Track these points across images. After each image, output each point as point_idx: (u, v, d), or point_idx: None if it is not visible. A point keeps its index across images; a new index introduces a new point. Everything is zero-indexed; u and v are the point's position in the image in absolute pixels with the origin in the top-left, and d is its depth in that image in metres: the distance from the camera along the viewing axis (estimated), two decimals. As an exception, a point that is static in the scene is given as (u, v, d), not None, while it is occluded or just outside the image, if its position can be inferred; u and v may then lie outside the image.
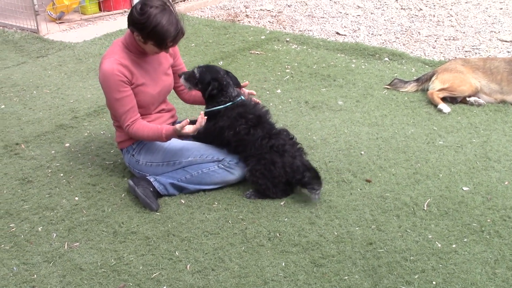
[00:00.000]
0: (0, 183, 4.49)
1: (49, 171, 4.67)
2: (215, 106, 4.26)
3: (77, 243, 3.82)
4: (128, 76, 4.10)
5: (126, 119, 4.18)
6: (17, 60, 7.18)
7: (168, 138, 4.20)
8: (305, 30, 8.04)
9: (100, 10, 8.95)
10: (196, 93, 4.57)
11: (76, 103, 5.82)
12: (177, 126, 4.01)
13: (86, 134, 5.23)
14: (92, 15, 8.80)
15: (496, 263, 3.50)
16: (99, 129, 5.31)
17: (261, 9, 9.17)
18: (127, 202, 4.24)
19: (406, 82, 5.92)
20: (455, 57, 6.64)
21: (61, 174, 4.62)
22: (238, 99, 4.29)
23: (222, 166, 4.27)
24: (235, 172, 4.30)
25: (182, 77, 4.33)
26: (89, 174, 4.61)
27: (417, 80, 5.89)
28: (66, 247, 3.79)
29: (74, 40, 7.77)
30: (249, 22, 8.52)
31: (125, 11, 8.93)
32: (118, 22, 8.51)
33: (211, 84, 4.23)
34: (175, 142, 4.35)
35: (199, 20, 8.53)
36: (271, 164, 4.11)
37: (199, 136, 4.23)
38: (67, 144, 5.06)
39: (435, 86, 5.62)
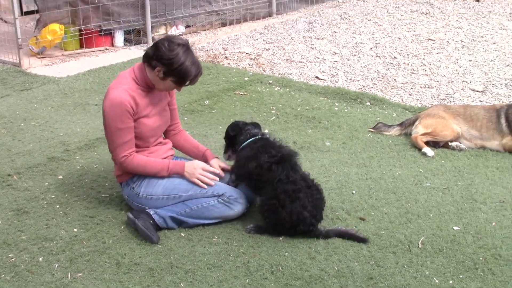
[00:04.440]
0: (-5, 214, 4.48)
1: (44, 202, 4.69)
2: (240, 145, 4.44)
3: (80, 274, 3.85)
4: (134, 108, 4.20)
5: (123, 150, 4.27)
6: (0, 92, 7.18)
7: (171, 172, 4.31)
8: (284, 74, 8.25)
9: (81, 46, 9.04)
10: (185, 140, 4.72)
11: (66, 137, 5.85)
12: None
13: (78, 167, 5.27)
14: (74, 51, 8.88)
15: (492, 298, 3.65)
16: (91, 162, 5.35)
17: (239, 52, 9.37)
18: (126, 234, 4.29)
19: (389, 126, 6.14)
20: (437, 104, 6.89)
21: (57, 206, 4.64)
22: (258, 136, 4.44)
23: (222, 201, 4.36)
24: (235, 208, 4.39)
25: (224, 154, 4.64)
26: (85, 206, 4.64)
27: (400, 125, 6.12)
28: (69, 277, 3.81)
29: (57, 74, 7.82)
30: (229, 64, 8.70)
31: (106, 49, 9.04)
32: (100, 59, 8.61)
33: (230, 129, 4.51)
34: (175, 176, 4.44)
35: (181, 60, 8.65)
36: (280, 206, 4.18)
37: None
38: (60, 177, 5.08)
39: (419, 130, 5.85)
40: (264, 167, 4.24)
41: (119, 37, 9.27)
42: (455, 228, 4.42)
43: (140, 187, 4.44)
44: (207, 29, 10.48)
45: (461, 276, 3.87)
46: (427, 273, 3.90)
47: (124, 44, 9.37)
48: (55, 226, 4.37)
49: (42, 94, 7.14)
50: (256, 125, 4.58)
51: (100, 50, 9.03)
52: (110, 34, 9.24)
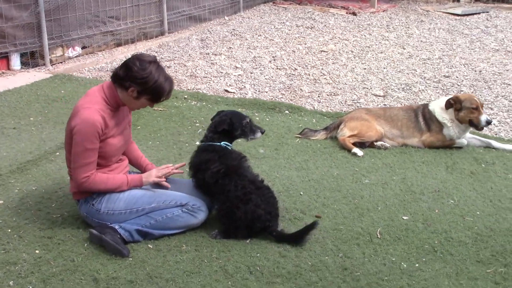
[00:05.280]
0: None
1: (-7, 227, 4.48)
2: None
3: (59, 293, 3.74)
4: (103, 129, 4.16)
5: (85, 171, 4.20)
6: None
7: (131, 185, 4.31)
8: (193, 89, 8.34)
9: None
10: (133, 150, 4.72)
11: (-6, 161, 5.61)
12: (145, 174, 4.38)
13: (16, 190, 5.08)
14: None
15: (458, 275, 3.98)
16: (29, 185, 5.17)
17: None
18: (93, 251, 4.21)
19: (315, 131, 6.42)
20: (358, 108, 7.25)
21: (9, 230, 4.46)
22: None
23: (186, 210, 4.40)
24: (198, 216, 4.44)
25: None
26: (39, 228, 4.49)
27: (325, 129, 6.42)
28: (49, 297, 3.69)
29: (-40, 101, 7.44)
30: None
31: (3, 72, 8.69)
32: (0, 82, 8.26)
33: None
34: (135, 190, 4.43)
35: (88, 80, 8.53)
36: (235, 208, 4.30)
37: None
38: (1, 201, 4.88)
39: (345, 133, 6.17)
40: (211, 182, 4.36)
41: (15, 60, 8.94)
42: (404, 217, 4.73)
43: (100, 203, 4.37)
44: (103, 50, 10.35)
45: (424, 259, 4.16)
46: (393, 259, 4.15)
47: (21, 67, 9.03)
48: (14, 250, 4.19)
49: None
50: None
51: (-6, 74, 8.66)
52: (6, 57, 8.88)
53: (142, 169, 4.71)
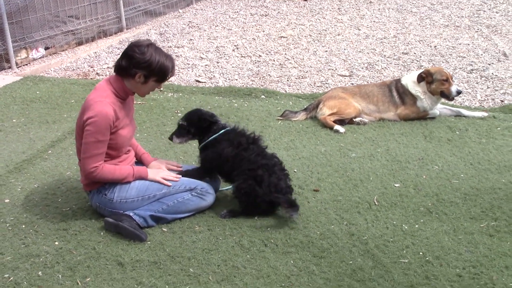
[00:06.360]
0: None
1: (7, 225, 4.60)
2: (210, 137, 4.64)
3: (88, 279, 3.91)
4: (115, 122, 4.33)
5: (95, 161, 4.37)
6: None
7: (136, 177, 4.51)
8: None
9: None
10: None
11: (-12, 164, 5.69)
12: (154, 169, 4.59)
13: (19, 189, 5.19)
14: None
15: (455, 231, 4.32)
16: (30, 183, 5.29)
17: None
18: (110, 238, 4.38)
19: (296, 112, 6.70)
20: (334, 87, 7.54)
21: (23, 226, 4.58)
22: (228, 127, 4.72)
23: (195, 194, 4.61)
24: (207, 199, 4.66)
25: (174, 137, 4.72)
26: (52, 221, 4.63)
27: (305, 110, 6.71)
28: (79, 283, 3.87)
29: None
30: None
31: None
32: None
33: (201, 120, 4.63)
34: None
35: (60, 79, 8.58)
36: (256, 184, 4.52)
37: (187, 174, 4.63)
38: (7, 200, 4.99)
39: (324, 112, 6.47)
40: (241, 148, 4.59)
41: (-19, 64, 8.92)
42: (396, 185, 5.06)
43: (113, 193, 4.55)
44: (66, 49, 10.38)
45: (422, 220, 4.49)
46: (394, 223, 4.47)
47: (-14, 71, 9.02)
48: (33, 244, 4.33)
49: None
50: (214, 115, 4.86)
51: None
52: (-29, 62, 8.85)
53: (138, 158, 4.90)
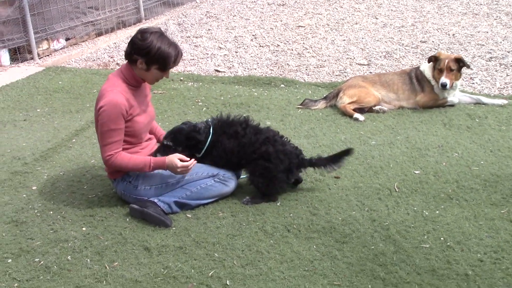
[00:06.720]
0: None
1: (35, 211, 4.71)
2: (203, 146, 4.73)
3: (116, 263, 4.01)
4: (128, 110, 4.41)
5: (110, 149, 4.45)
6: None
7: (153, 168, 4.55)
8: (184, 71, 8.59)
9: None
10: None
11: (15, 152, 5.80)
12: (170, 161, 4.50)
13: (45, 176, 5.30)
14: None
15: (476, 217, 4.37)
16: (55, 171, 5.40)
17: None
18: (136, 224, 4.48)
19: (316, 101, 6.76)
20: (354, 76, 7.57)
21: (51, 212, 4.70)
22: (210, 121, 4.81)
23: (218, 180, 4.70)
24: (230, 184, 4.75)
25: (158, 155, 4.63)
26: (78, 208, 4.74)
27: (325, 98, 6.77)
28: (108, 268, 3.97)
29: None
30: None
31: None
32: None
33: (189, 139, 4.70)
34: None
35: (82, 70, 8.70)
36: (265, 161, 4.62)
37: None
38: (34, 187, 5.10)
39: (344, 100, 6.53)
40: (240, 135, 4.70)
41: (4, 56, 9.05)
42: (416, 172, 5.11)
43: (137, 180, 4.64)
44: (86, 40, 10.50)
45: (442, 207, 4.54)
46: (415, 209, 4.53)
47: (10, 62, 9.15)
48: (61, 229, 4.44)
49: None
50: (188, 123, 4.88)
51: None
52: (-6, 54, 8.99)
53: (157, 138, 4.98)
